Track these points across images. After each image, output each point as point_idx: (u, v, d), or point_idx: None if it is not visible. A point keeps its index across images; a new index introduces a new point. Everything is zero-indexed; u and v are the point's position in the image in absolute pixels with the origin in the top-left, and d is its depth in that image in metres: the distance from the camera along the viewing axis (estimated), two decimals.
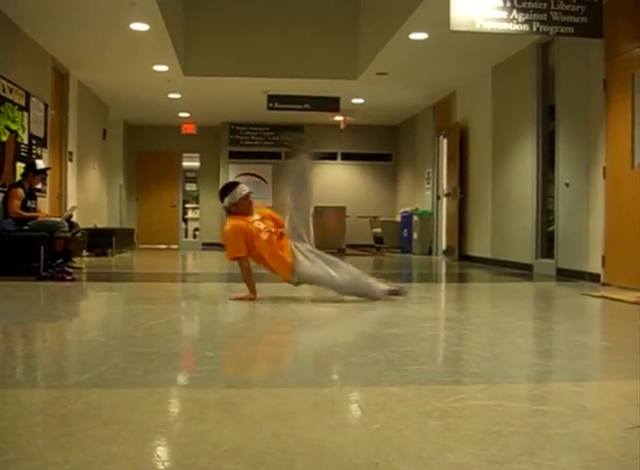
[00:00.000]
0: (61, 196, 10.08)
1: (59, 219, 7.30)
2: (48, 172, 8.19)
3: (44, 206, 8.62)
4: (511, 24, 6.24)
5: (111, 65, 10.09)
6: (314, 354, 3.13)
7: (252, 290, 4.98)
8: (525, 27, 6.28)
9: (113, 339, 3.53)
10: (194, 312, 4.97)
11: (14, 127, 7.92)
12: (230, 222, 4.99)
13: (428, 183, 13.05)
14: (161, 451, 1.75)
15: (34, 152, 8.63)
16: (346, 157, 16.05)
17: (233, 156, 15.71)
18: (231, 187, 5.20)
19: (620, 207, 6.30)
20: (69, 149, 10.41)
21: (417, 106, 13.18)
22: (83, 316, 4.77)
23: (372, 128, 15.64)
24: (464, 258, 10.79)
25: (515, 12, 6.23)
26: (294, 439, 1.80)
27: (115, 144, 14.27)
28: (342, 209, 13.07)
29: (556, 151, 7.72)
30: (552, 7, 6.28)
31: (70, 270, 6.77)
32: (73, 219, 7.81)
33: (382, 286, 5.08)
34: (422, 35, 8.30)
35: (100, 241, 10.62)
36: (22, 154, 8.20)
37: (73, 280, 6.48)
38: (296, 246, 4.94)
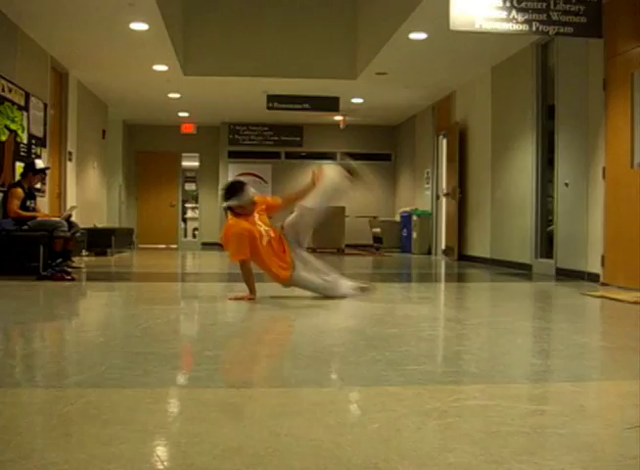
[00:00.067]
0: (60, 196, 10.08)
1: (58, 219, 7.30)
2: (47, 172, 8.19)
3: (43, 205, 8.62)
4: (510, 24, 6.25)
5: (110, 64, 10.09)
6: (313, 354, 3.13)
7: (252, 290, 4.99)
8: (525, 27, 6.28)
9: (112, 339, 3.53)
10: (193, 312, 4.97)
11: (13, 127, 7.92)
12: (233, 223, 4.96)
13: (427, 183, 13.06)
14: (161, 451, 1.75)
15: (34, 151, 8.63)
16: (346, 156, 16.02)
17: (232, 155, 15.71)
18: (239, 188, 5.02)
19: (620, 206, 6.31)
20: (69, 149, 10.41)
21: (416, 106, 13.18)
22: (83, 316, 4.77)
23: (371, 128, 15.64)
24: (463, 257, 10.79)
25: (514, 12, 6.23)
26: (293, 439, 1.80)
27: (115, 144, 14.27)
28: (342, 208, 13.06)
29: (555, 151, 7.72)
30: (551, 7, 6.28)
31: (70, 270, 6.77)
32: (73, 219, 7.81)
33: (350, 284, 5.21)
34: (421, 35, 8.30)
35: (99, 241, 10.62)
36: (22, 153, 8.20)
37: (73, 280, 6.48)
38: (294, 251, 5.02)
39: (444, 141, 12.14)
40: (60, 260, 6.74)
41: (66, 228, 7.09)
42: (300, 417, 2.02)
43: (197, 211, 16.86)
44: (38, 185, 8.06)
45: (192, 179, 17.54)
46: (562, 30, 6.36)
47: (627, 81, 6.18)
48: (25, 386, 2.45)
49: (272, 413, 2.08)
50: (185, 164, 16.52)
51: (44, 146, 9.13)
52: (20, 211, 7.02)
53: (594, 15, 6.36)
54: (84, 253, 9.96)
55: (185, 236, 17.12)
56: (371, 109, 13.48)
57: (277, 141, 15.59)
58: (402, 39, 8.47)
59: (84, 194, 11.46)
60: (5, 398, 2.21)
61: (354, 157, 16.02)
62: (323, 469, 1.59)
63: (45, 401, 2.21)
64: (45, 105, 9.09)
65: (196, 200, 17.08)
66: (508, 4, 6.21)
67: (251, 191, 5.06)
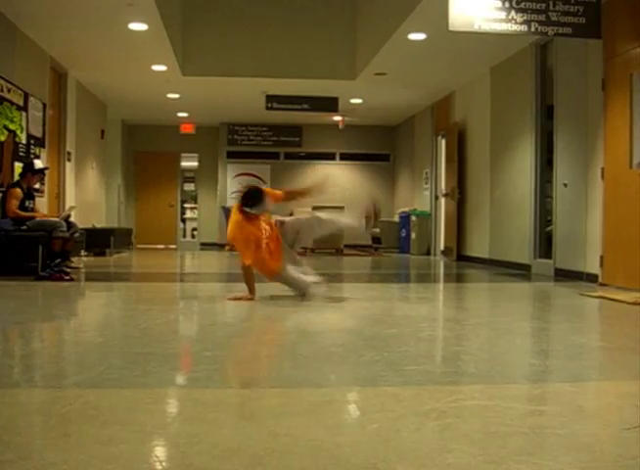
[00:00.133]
0: (59, 196, 10.07)
1: (57, 219, 7.30)
2: (46, 172, 8.18)
3: (42, 206, 8.61)
4: (509, 25, 6.25)
5: (109, 65, 10.08)
6: (312, 354, 3.14)
7: (252, 290, 5.01)
8: (524, 28, 6.28)
9: (111, 339, 3.53)
10: (192, 312, 4.97)
11: (12, 127, 7.91)
12: (243, 225, 4.99)
13: (426, 183, 13.06)
14: (160, 452, 1.75)
15: (32, 152, 8.63)
16: (345, 157, 16.05)
17: (231, 156, 15.70)
18: (260, 199, 5.04)
19: (619, 207, 6.31)
20: (68, 149, 10.41)
21: (415, 106, 13.18)
22: (81, 316, 4.77)
23: (370, 128, 15.64)
24: (462, 258, 10.80)
25: (513, 12, 6.23)
26: (291, 439, 1.80)
27: (114, 144, 14.26)
28: (341, 209, 13.05)
29: (554, 151, 7.72)
30: (550, 7, 6.29)
31: (69, 270, 6.77)
32: (72, 219, 7.80)
33: (311, 278, 5.28)
34: (420, 36, 8.30)
35: (98, 241, 10.61)
36: (21, 153, 8.19)
37: (72, 280, 6.47)
38: (285, 249, 5.15)
39: (443, 141, 12.14)
40: (58, 261, 6.74)
41: (64, 228, 7.08)
42: (299, 417, 2.02)
43: (196, 212, 16.86)
44: (37, 185, 8.05)
45: (191, 179, 17.54)
46: (561, 31, 6.37)
47: (626, 82, 6.18)
48: (24, 386, 2.45)
49: (271, 414, 2.08)
50: (184, 164, 16.52)
51: (43, 146, 9.12)
52: (18, 212, 7.01)
53: (593, 15, 6.36)
54: (83, 253, 9.95)
55: (184, 236, 17.11)
56: (370, 109, 13.48)
57: (276, 141, 15.59)
58: (401, 40, 8.48)
59: (83, 194, 11.46)
60: (4, 398, 2.21)
61: (353, 157, 16.06)
62: (322, 469, 1.59)
63: (44, 402, 2.21)
64: (44, 105, 9.09)
65: (195, 200, 17.08)
66: (507, 5, 6.22)
67: (267, 200, 5.11)
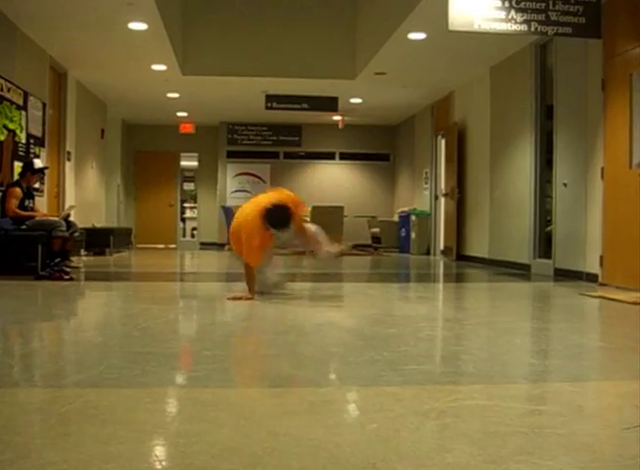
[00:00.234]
0: (59, 195, 10.07)
1: (56, 219, 7.30)
2: (46, 172, 8.18)
3: (42, 205, 8.61)
4: (509, 25, 6.25)
5: (109, 64, 10.08)
6: (312, 354, 3.14)
7: (252, 290, 5.01)
8: (524, 28, 6.28)
9: (110, 338, 3.53)
10: (191, 312, 4.97)
11: (12, 126, 7.91)
12: (262, 234, 4.97)
13: (426, 183, 13.06)
14: (159, 451, 1.75)
15: (32, 151, 8.63)
16: (345, 156, 16.05)
17: (231, 155, 15.70)
18: (289, 222, 4.98)
19: (618, 207, 6.31)
20: (67, 148, 10.40)
21: (415, 106, 13.18)
22: (81, 316, 4.77)
23: (370, 128, 15.64)
24: (462, 258, 10.80)
25: (513, 12, 6.23)
26: (291, 439, 1.80)
27: (114, 143, 14.26)
28: (340, 208, 13.06)
29: (554, 151, 7.72)
30: (550, 7, 6.29)
31: (68, 270, 6.77)
32: (71, 219, 7.80)
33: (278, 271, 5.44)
34: (420, 35, 8.30)
35: (98, 240, 10.61)
36: (20, 153, 8.19)
37: (71, 279, 6.47)
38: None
39: (443, 141, 12.14)
40: (58, 260, 6.74)
41: (64, 228, 7.08)
42: (299, 417, 2.02)
43: (195, 211, 16.86)
44: (37, 185, 8.05)
45: (190, 179, 17.54)
46: (561, 31, 6.37)
47: (626, 81, 6.18)
48: (24, 385, 2.44)
49: (271, 413, 2.08)
50: (184, 163, 16.51)
51: (43, 145, 9.12)
52: (18, 211, 7.01)
53: (593, 15, 6.36)
54: (83, 252, 9.95)
55: (184, 236, 17.11)
56: (370, 109, 13.48)
57: (276, 141, 15.59)
58: (401, 39, 8.48)
59: (83, 193, 11.45)
60: (4, 397, 2.21)
61: (352, 156, 16.05)
62: (321, 469, 1.59)
63: (43, 401, 2.21)
64: (44, 104, 9.08)
65: (194, 200, 17.07)
66: (507, 4, 6.21)
67: (292, 229, 5.11)
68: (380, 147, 15.98)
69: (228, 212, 12.58)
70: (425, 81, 11.00)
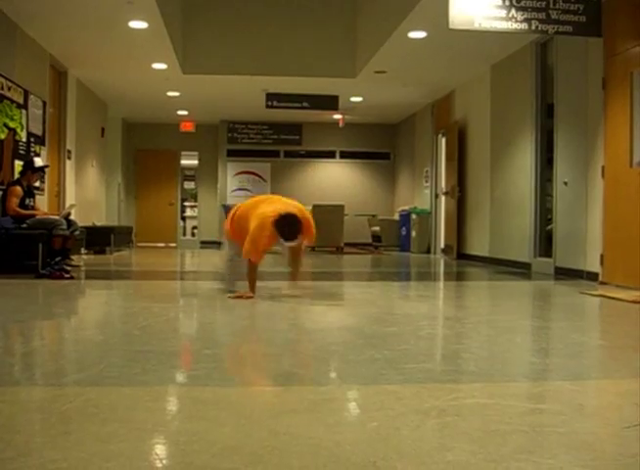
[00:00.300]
0: (59, 194, 10.07)
1: (57, 217, 7.29)
2: (46, 170, 8.18)
3: (42, 204, 8.61)
4: (510, 23, 6.24)
5: (109, 63, 10.08)
6: (312, 353, 3.14)
7: (252, 289, 5.01)
8: (524, 26, 6.28)
9: (111, 337, 3.53)
10: (192, 310, 4.97)
11: (12, 125, 7.91)
12: (268, 240, 4.99)
13: (426, 182, 13.06)
14: (160, 450, 1.75)
15: (33, 150, 8.63)
16: (345, 155, 16.05)
17: (231, 154, 15.70)
18: (299, 233, 4.99)
19: (619, 205, 6.31)
20: (68, 147, 10.40)
21: (416, 104, 13.17)
22: (81, 314, 4.77)
23: (371, 127, 15.64)
24: (462, 256, 10.79)
25: (514, 10, 6.23)
26: (291, 437, 1.80)
27: (114, 142, 14.26)
28: (341, 207, 13.06)
29: (554, 149, 7.72)
30: (551, 5, 6.28)
31: (69, 268, 6.77)
32: (72, 217, 7.80)
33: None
34: (420, 34, 8.29)
35: (98, 239, 10.61)
36: (21, 152, 8.19)
37: (72, 278, 6.47)
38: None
39: (443, 140, 12.14)
40: (59, 259, 6.74)
41: (65, 226, 7.08)
42: (299, 416, 2.02)
43: (196, 210, 16.85)
44: (37, 183, 8.05)
45: (191, 178, 17.53)
46: (561, 29, 6.36)
47: (627, 80, 6.18)
48: (24, 384, 2.45)
49: (271, 412, 2.08)
50: (184, 162, 16.51)
51: (43, 144, 9.12)
52: (18, 210, 7.01)
53: (593, 14, 6.36)
54: (83, 251, 9.96)
55: (184, 234, 17.11)
56: (370, 107, 13.47)
57: (276, 139, 15.59)
58: (402, 38, 8.47)
59: (83, 192, 11.45)
60: (4, 396, 2.21)
61: (353, 155, 16.05)
62: (322, 468, 1.59)
63: (44, 400, 2.21)
64: (44, 103, 9.08)
65: (195, 198, 17.07)
66: (507, 3, 6.21)
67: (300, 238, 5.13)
68: (380, 145, 15.97)
69: (229, 211, 12.56)
70: (425, 80, 10.99)
